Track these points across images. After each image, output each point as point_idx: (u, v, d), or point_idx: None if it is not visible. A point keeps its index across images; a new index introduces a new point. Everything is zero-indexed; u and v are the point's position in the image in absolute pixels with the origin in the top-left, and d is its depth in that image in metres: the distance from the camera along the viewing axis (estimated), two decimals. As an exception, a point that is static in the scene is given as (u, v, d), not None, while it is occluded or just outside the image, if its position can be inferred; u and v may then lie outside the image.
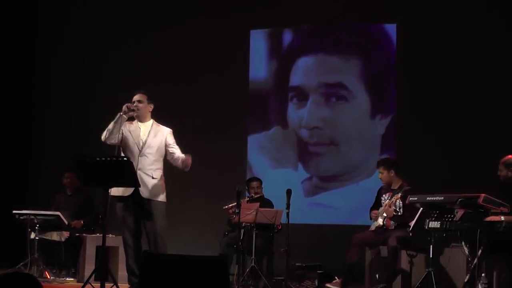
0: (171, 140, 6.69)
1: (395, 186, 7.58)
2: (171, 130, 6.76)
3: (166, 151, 6.65)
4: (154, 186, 6.51)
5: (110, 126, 6.49)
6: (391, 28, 9.74)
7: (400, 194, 7.38)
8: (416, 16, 9.56)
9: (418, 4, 9.56)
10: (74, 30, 10.77)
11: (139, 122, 6.68)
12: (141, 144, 6.55)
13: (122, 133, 6.54)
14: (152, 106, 6.74)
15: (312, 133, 9.89)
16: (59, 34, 10.84)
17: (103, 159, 5.99)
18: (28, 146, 10.77)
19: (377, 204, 7.70)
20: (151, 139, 6.59)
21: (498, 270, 6.45)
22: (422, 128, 9.43)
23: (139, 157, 6.52)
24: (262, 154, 10.08)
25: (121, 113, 6.48)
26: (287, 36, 10.17)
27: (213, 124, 10.06)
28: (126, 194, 6.46)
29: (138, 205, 6.49)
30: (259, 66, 10.22)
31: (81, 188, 8.95)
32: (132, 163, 6.20)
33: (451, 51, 9.35)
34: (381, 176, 7.63)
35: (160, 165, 6.62)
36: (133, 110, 6.55)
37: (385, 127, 9.62)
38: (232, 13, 10.17)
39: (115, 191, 6.45)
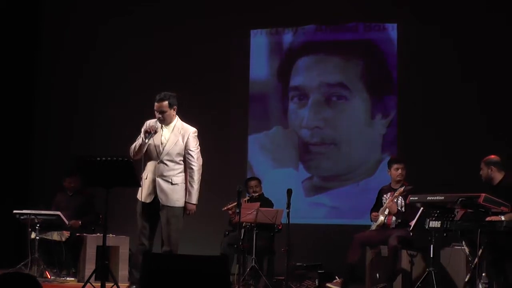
0: (191, 143, 6.53)
1: (397, 185, 7.57)
2: (195, 130, 6.62)
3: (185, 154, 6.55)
4: (173, 192, 6.45)
5: (136, 149, 6.45)
6: (392, 28, 9.74)
7: (402, 189, 7.37)
8: (417, 15, 9.56)
9: (419, 3, 9.56)
10: (76, 31, 10.77)
11: (163, 126, 6.58)
12: (160, 150, 6.48)
13: None
14: (175, 108, 6.61)
15: (313, 133, 9.89)
16: (61, 36, 10.84)
17: (104, 159, 5.98)
18: (30, 146, 10.77)
19: (377, 205, 7.68)
20: (170, 145, 6.49)
21: (498, 270, 6.44)
22: (423, 127, 9.44)
23: (157, 164, 6.47)
24: (263, 154, 10.08)
25: (144, 141, 6.40)
26: (288, 36, 10.17)
27: (214, 124, 10.06)
28: (147, 201, 6.46)
29: (157, 209, 6.48)
30: (260, 66, 10.23)
31: (82, 189, 8.95)
32: (132, 163, 6.19)
33: (454, 50, 9.36)
34: (403, 172, 7.56)
35: (181, 168, 6.51)
36: (156, 132, 6.43)
37: (386, 127, 9.63)
38: (233, 13, 10.17)
39: (139, 194, 6.47)
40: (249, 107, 10.19)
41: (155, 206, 6.47)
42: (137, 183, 6.23)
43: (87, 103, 10.61)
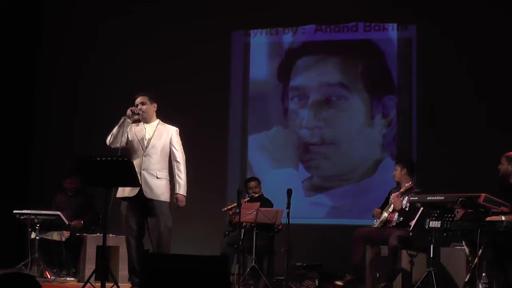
0: (174, 139, 6.66)
1: (404, 184, 7.55)
2: (177, 129, 6.74)
3: (170, 150, 6.65)
4: (158, 186, 6.49)
5: (114, 130, 6.50)
6: (392, 28, 9.75)
7: (407, 184, 7.40)
8: (417, 15, 9.57)
9: (419, 3, 9.56)
10: (76, 31, 10.77)
11: (145, 124, 6.67)
12: (145, 144, 6.55)
13: (127, 136, 6.56)
14: (155, 105, 6.73)
15: (313, 133, 9.90)
16: (61, 36, 10.84)
17: (104, 159, 5.98)
18: (30, 146, 10.77)
19: (385, 205, 7.68)
20: (156, 139, 6.58)
21: (498, 270, 6.44)
22: (423, 127, 9.44)
23: (143, 157, 6.51)
24: (263, 154, 10.08)
25: (125, 117, 6.48)
26: (288, 36, 10.17)
27: (214, 124, 10.07)
28: (131, 195, 6.46)
29: (142, 205, 6.48)
30: (260, 66, 10.23)
31: (82, 189, 8.95)
32: (132, 163, 6.19)
33: (454, 50, 9.36)
34: (394, 173, 7.63)
35: (165, 164, 6.60)
36: (138, 114, 6.54)
37: (386, 127, 9.63)
38: (233, 13, 10.17)
39: (121, 193, 6.46)
40: (249, 107, 10.19)
41: (140, 203, 6.46)
42: (137, 183, 6.23)
43: (88, 103, 10.60)
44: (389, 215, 7.49)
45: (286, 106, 10.06)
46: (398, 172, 7.63)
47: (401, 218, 7.43)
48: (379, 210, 7.57)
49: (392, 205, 7.48)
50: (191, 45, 10.24)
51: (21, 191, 10.28)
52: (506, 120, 9.02)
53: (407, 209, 7.40)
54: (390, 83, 9.71)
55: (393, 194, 7.62)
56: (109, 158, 5.98)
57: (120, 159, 6.05)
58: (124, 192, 6.47)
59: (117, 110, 10.19)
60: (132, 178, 6.10)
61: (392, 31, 9.76)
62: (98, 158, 5.98)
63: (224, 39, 10.21)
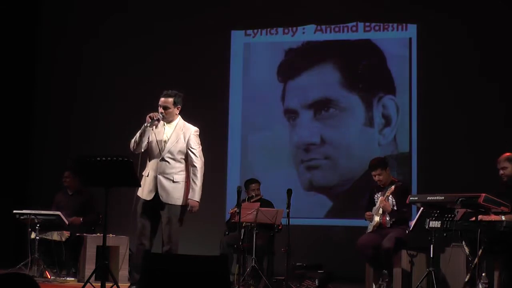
0: (192, 141, 6.57)
1: (387, 183, 7.50)
2: (197, 129, 6.66)
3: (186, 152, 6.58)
4: (174, 190, 6.47)
5: (137, 138, 6.46)
6: (392, 28, 9.74)
7: (393, 187, 7.33)
8: (417, 15, 9.57)
9: (420, 3, 9.57)
10: (75, 30, 10.77)
11: (165, 124, 6.61)
12: (162, 148, 6.51)
13: (148, 137, 6.52)
14: (179, 107, 6.67)
15: (313, 133, 9.89)
16: (60, 35, 10.84)
17: (104, 159, 5.97)
18: (29, 146, 10.77)
19: (370, 205, 7.63)
20: (172, 143, 6.52)
21: (498, 270, 6.43)
22: (422, 127, 9.44)
23: (159, 161, 6.48)
24: (263, 154, 10.08)
25: (146, 125, 6.42)
26: (288, 36, 10.17)
27: (213, 124, 10.06)
28: (148, 199, 6.46)
29: (158, 207, 6.48)
30: (260, 66, 10.22)
31: (82, 188, 8.95)
32: (132, 163, 6.17)
33: (453, 50, 9.36)
34: (380, 178, 7.48)
35: (183, 166, 6.53)
36: (158, 120, 6.49)
37: (386, 127, 9.63)
38: (233, 13, 10.18)
39: (139, 192, 6.46)
40: (249, 107, 10.19)
41: (155, 205, 6.47)
42: (137, 183, 6.22)
43: (86, 103, 10.60)
44: (380, 218, 7.43)
45: (286, 106, 10.06)
46: (384, 174, 7.49)
47: (393, 219, 7.39)
48: (371, 213, 7.50)
49: (381, 208, 7.41)
50: (191, 45, 10.24)
51: (20, 191, 10.28)
52: (507, 119, 9.02)
53: (395, 207, 7.37)
54: (390, 83, 9.71)
55: (376, 194, 7.54)
56: (109, 158, 5.97)
57: (120, 159, 6.04)
58: (142, 194, 6.47)
59: (116, 110, 10.26)
60: (132, 178, 6.09)
61: (392, 31, 9.76)
62: (98, 158, 5.98)
63: (224, 39, 10.21)
